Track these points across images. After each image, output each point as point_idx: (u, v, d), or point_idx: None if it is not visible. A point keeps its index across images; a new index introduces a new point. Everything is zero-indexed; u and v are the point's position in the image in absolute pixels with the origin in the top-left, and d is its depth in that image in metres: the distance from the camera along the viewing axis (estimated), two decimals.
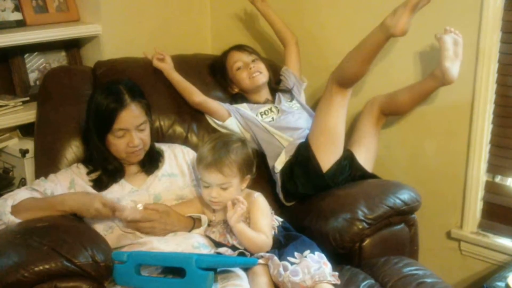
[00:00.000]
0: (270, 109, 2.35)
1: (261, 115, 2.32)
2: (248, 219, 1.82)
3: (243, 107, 2.34)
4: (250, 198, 1.85)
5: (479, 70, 2.13)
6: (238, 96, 2.42)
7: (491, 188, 2.26)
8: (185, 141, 2.28)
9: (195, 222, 1.92)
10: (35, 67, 2.49)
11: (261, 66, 2.37)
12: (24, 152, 2.28)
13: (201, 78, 2.41)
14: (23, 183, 2.28)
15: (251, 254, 1.76)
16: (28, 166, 2.27)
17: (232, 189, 1.82)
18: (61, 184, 1.93)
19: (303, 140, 2.19)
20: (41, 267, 1.56)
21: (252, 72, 2.34)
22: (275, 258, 1.74)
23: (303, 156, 2.13)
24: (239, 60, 2.38)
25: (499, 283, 1.87)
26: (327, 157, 2.10)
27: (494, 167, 2.24)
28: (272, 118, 2.32)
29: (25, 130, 2.39)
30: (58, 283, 1.59)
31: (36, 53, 2.48)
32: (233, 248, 1.80)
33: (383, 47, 1.96)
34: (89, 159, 1.99)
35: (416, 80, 2.27)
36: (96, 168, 1.96)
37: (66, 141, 2.10)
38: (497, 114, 2.18)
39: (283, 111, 2.34)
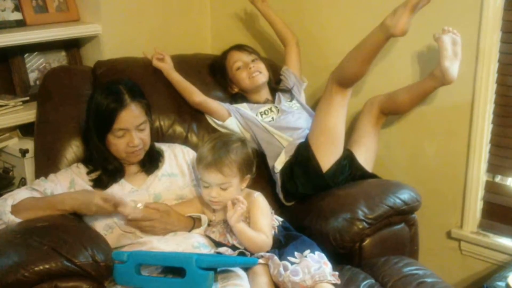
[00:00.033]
0: (270, 109, 2.35)
1: (261, 115, 2.32)
2: (248, 219, 1.82)
3: (243, 107, 2.34)
4: (250, 198, 1.85)
5: (479, 69, 2.13)
6: (238, 96, 2.42)
7: (491, 188, 2.26)
8: (185, 141, 2.28)
9: (195, 222, 1.92)
10: (35, 67, 2.49)
11: (261, 66, 2.37)
12: (24, 152, 2.28)
13: (201, 78, 2.41)
14: (23, 183, 2.28)
15: (251, 254, 1.76)
16: (28, 166, 2.28)
17: (232, 189, 1.82)
18: (61, 184, 1.93)
19: (303, 140, 2.19)
20: (41, 267, 1.56)
21: (252, 72, 2.34)
22: (275, 257, 1.74)
23: (303, 156, 2.13)
24: (239, 60, 2.38)
25: (499, 283, 1.87)
26: (327, 157, 2.10)
27: (494, 167, 2.24)
28: (272, 118, 2.32)
29: (25, 130, 2.39)
30: (58, 283, 1.59)
31: (36, 53, 2.48)
32: (233, 248, 1.80)
33: (383, 47, 1.96)
34: (89, 159, 1.99)
35: (416, 80, 2.27)
36: (96, 168, 1.96)
37: (66, 141, 2.10)
38: (497, 114, 2.18)
39: (283, 111, 2.34)
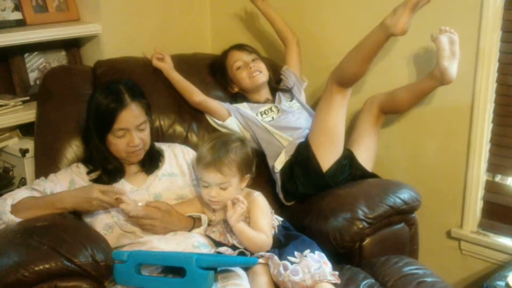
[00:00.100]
0: (270, 108, 2.35)
1: (261, 115, 2.32)
2: (248, 219, 1.82)
3: (243, 107, 2.34)
4: (250, 198, 1.85)
5: (479, 69, 2.13)
6: (238, 95, 2.42)
7: (491, 188, 2.26)
8: (185, 141, 2.28)
9: (195, 222, 1.92)
10: (35, 66, 2.49)
11: (261, 66, 2.37)
12: (24, 152, 2.28)
13: (201, 77, 2.41)
14: (23, 182, 2.28)
15: (251, 254, 1.76)
16: (28, 165, 2.28)
17: (231, 188, 1.83)
18: (61, 184, 1.93)
19: (303, 139, 2.19)
20: (41, 267, 1.56)
21: (252, 72, 2.34)
22: (275, 257, 1.74)
23: (303, 155, 2.13)
24: (239, 59, 2.38)
25: (499, 283, 1.87)
26: (327, 157, 2.10)
27: (494, 167, 2.23)
28: (272, 117, 2.32)
29: (25, 129, 2.39)
30: (58, 282, 1.59)
31: (36, 52, 2.48)
32: (233, 247, 1.80)
33: (383, 46, 1.96)
34: (89, 159, 1.99)
35: (415, 79, 2.27)
36: (96, 168, 1.96)
37: (66, 141, 2.10)
38: (497, 113, 2.18)
39: (283, 110, 2.33)
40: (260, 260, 1.74)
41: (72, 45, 2.56)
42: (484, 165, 2.23)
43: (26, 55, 2.46)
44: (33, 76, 2.49)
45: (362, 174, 2.17)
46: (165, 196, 1.96)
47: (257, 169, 1.98)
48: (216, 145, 1.83)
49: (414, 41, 2.22)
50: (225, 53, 2.44)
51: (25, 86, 2.45)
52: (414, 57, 2.28)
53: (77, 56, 2.58)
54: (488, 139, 2.21)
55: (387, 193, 1.97)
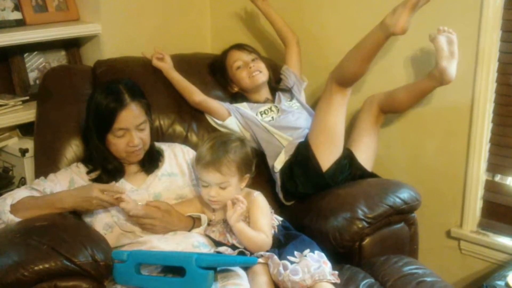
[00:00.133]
0: (270, 108, 2.35)
1: (261, 115, 2.32)
2: (247, 218, 1.82)
3: (243, 107, 2.34)
4: (249, 197, 1.85)
5: (479, 69, 2.13)
6: (238, 95, 2.42)
7: (491, 187, 2.26)
8: (185, 141, 2.28)
9: (194, 222, 1.92)
10: (34, 66, 2.49)
11: (261, 65, 2.37)
12: (23, 152, 2.28)
13: (201, 77, 2.41)
14: (22, 182, 2.28)
15: (251, 253, 1.77)
16: (28, 165, 2.28)
17: (231, 188, 1.83)
18: (61, 184, 1.93)
19: (302, 139, 2.19)
20: (40, 266, 1.56)
21: (252, 71, 2.34)
22: (275, 257, 1.74)
23: (303, 155, 2.13)
24: (239, 59, 2.38)
25: (499, 282, 1.87)
26: (327, 156, 2.10)
27: (494, 166, 2.23)
28: (272, 117, 2.32)
29: (24, 129, 2.39)
30: (58, 282, 1.59)
31: (35, 52, 2.48)
32: (233, 247, 1.80)
33: (383, 46, 1.96)
34: (89, 159, 1.99)
35: (415, 79, 2.27)
36: (96, 168, 1.96)
37: (65, 141, 2.10)
38: (497, 113, 2.18)
39: (283, 110, 2.33)
40: (260, 260, 1.74)
41: (72, 45, 2.56)
42: (484, 164, 2.23)
43: (26, 55, 2.46)
44: (32, 76, 2.49)
45: (361, 174, 2.17)
46: (165, 196, 1.96)
47: (257, 169, 1.98)
48: (215, 145, 1.83)
49: (414, 41, 2.22)
50: (225, 53, 2.44)
51: (25, 86, 2.45)
52: (414, 57, 2.28)
53: (77, 56, 2.58)
54: (488, 139, 2.21)
55: (386, 193, 1.98)
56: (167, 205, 1.88)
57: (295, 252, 1.76)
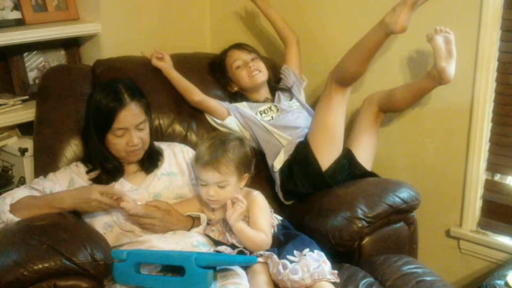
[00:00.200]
0: (270, 108, 2.35)
1: (261, 114, 2.32)
2: (247, 218, 1.82)
3: (243, 106, 2.34)
4: (249, 197, 1.85)
5: (478, 68, 2.13)
6: (237, 94, 2.42)
7: (491, 187, 2.26)
8: (184, 140, 2.28)
9: (194, 221, 1.92)
10: (34, 65, 2.49)
11: (261, 65, 2.37)
12: (23, 151, 2.28)
13: (201, 76, 2.41)
14: (22, 181, 2.28)
15: (251, 253, 1.77)
16: (27, 164, 2.27)
17: (229, 187, 1.82)
18: (60, 183, 1.93)
19: (302, 139, 2.19)
20: (40, 266, 1.56)
21: (251, 71, 2.34)
22: (275, 256, 1.74)
23: (302, 155, 2.13)
24: (238, 58, 2.38)
25: (499, 281, 1.87)
26: (326, 156, 2.10)
27: (494, 166, 2.24)
28: (272, 117, 2.32)
29: (24, 128, 2.39)
30: (57, 281, 1.59)
31: (35, 51, 2.48)
32: (233, 246, 1.80)
33: (383, 45, 1.96)
34: (88, 158, 1.99)
35: (415, 78, 2.27)
36: (95, 167, 1.96)
37: (65, 140, 2.10)
38: (497, 113, 2.18)
39: (283, 110, 2.33)
40: (260, 259, 1.74)
41: (72, 44, 2.56)
42: (483, 164, 2.23)
43: (25, 54, 2.45)
44: (32, 75, 2.48)
45: (361, 173, 2.17)
46: (164, 196, 1.96)
47: (256, 169, 1.98)
48: (214, 144, 1.83)
49: (414, 40, 2.22)
50: (225, 52, 2.44)
51: (24, 85, 2.45)
52: (413, 56, 2.28)
53: (77, 55, 2.58)
54: (487, 138, 2.21)
55: (386, 192, 1.98)
56: (166, 204, 1.88)
57: (295, 251, 1.76)
